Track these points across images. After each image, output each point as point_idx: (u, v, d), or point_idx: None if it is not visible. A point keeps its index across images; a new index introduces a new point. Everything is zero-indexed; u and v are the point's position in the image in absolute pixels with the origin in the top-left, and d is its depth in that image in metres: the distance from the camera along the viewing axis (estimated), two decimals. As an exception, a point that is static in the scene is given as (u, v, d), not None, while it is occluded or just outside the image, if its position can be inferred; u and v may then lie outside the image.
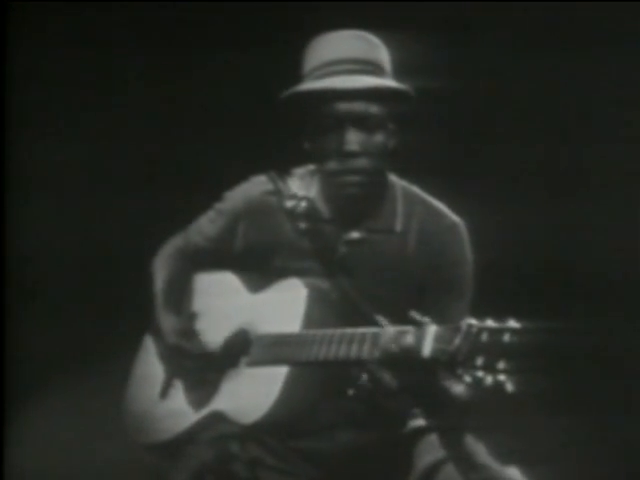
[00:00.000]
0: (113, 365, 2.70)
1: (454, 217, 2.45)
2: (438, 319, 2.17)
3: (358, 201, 2.40)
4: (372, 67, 2.37)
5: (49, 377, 2.95)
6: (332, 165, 2.36)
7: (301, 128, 2.42)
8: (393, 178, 2.49)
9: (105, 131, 3.16)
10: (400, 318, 2.21)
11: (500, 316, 2.03)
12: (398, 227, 2.44)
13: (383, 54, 2.42)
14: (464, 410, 2.26)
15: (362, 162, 2.35)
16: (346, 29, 2.42)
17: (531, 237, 2.91)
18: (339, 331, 2.25)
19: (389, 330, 2.16)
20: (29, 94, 3.06)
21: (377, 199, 2.45)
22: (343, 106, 2.33)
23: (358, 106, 2.33)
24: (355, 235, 2.44)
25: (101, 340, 3.01)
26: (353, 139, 2.33)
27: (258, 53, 3.04)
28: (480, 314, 2.08)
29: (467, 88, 2.90)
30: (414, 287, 2.41)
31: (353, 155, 2.33)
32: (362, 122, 2.34)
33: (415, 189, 2.49)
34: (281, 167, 2.53)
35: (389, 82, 2.38)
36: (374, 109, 2.34)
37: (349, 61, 2.36)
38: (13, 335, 2.98)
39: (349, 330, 2.23)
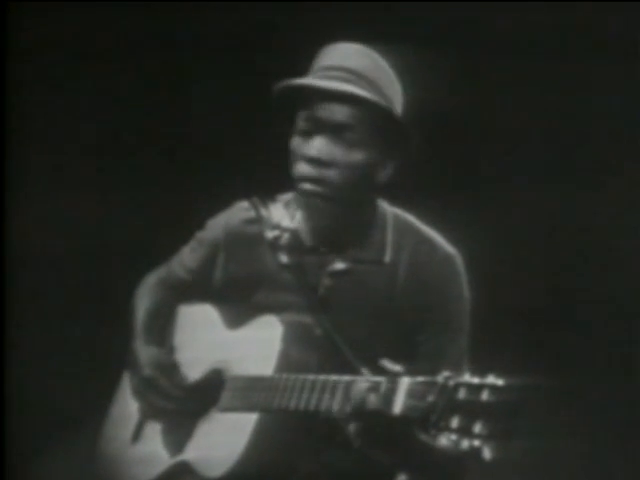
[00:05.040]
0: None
1: (449, 248, 2.26)
2: (431, 362, 2.04)
3: (333, 222, 2.22)
4: (365, 83, 2.17)
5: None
6: (297, 170, 2.18)
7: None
8: (383, 205, 2.30)
9: (105, 133, 3.20)
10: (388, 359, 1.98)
11: (490, 361, 1.83)
12: (387, 258, 2.24)
13: (385, 80, 2.21)
14: (453, 466, 2.05)
15: (330, 174, 2.15)
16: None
17: (531, 271, 2.77)
18: (311, 377, 2.05)
19: (361, 381, 1.95)
20: (29, 95, 3.06)
21: (364, 227, 2.26)
22: (318, 110, 2.15)
23: (332, 113, 2.15)
24: (340, 266, 2.25)
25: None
26: (319, 146, 2.15)
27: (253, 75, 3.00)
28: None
29: (465, 110, 2.83)
30: (404, 325, 2.21)
31: (319, 163, 2.15)
32: (336, 132, 2.15)
33: (407, 217, 2.31)
34: (269, 191, 2.36)
35: (372, 96, 2.16)
36: (351, 120, 2.14)
37: (343, 69, 2.18)
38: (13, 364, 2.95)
39: (322, 377, 2.04)
